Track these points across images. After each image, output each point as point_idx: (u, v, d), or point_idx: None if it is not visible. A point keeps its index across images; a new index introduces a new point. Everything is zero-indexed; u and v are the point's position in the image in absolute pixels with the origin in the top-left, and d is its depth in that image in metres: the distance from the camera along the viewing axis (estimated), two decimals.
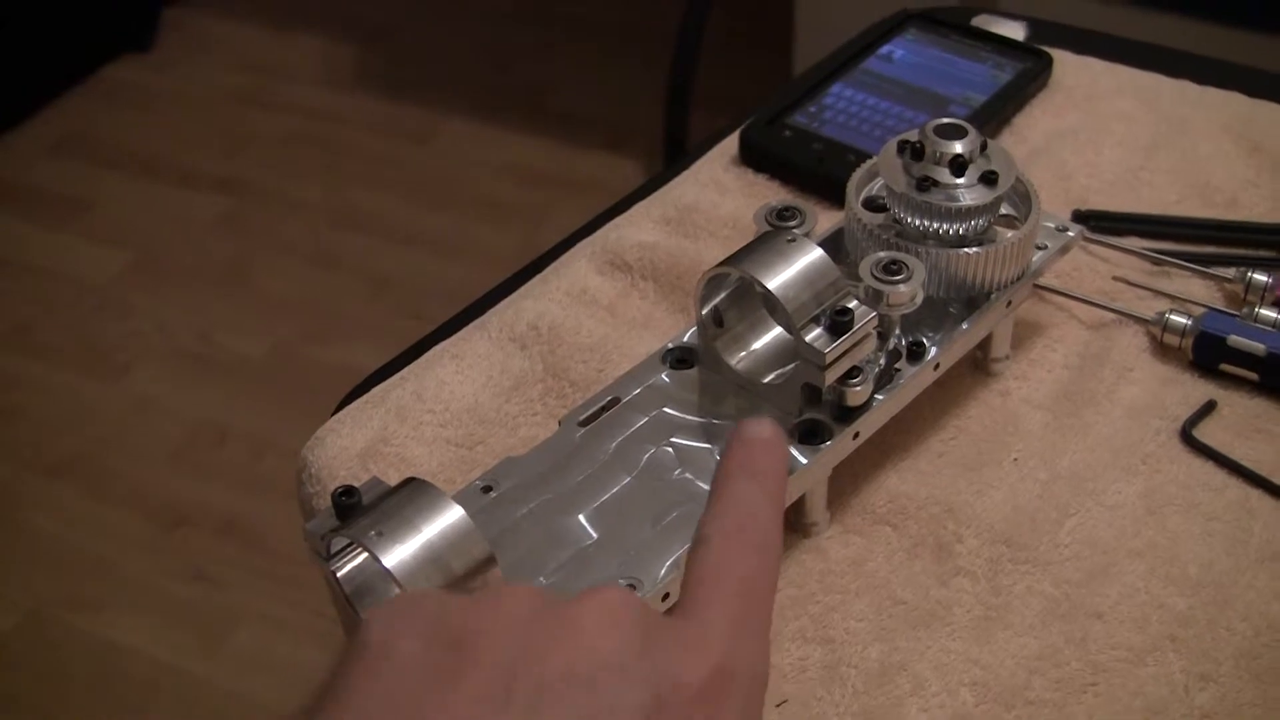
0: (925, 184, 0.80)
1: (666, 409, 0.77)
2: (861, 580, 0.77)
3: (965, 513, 0.79)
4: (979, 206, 0.80)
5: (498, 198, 2.69)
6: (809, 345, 0.72)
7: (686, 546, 0.68)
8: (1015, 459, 0.83)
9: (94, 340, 2.44)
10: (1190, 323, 0.87)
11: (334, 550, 0.66)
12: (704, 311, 0.78)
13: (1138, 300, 0.92)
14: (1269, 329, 0.87)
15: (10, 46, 2.85)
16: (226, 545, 2.09)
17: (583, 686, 0.48)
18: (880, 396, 0.77)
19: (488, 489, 0.74)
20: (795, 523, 0.78)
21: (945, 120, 0.82)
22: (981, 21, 1.16)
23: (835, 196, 0.86)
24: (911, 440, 0.84)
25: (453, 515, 0.62)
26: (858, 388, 0.75)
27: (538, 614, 0.50)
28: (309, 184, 2.74)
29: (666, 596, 0.69)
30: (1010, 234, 0.82)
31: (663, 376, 0.79)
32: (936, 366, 0.80)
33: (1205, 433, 0.84)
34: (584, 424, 0.77)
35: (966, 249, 0.80)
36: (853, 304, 0.73)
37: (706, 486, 0.73)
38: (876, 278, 0.76)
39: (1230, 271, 0.92)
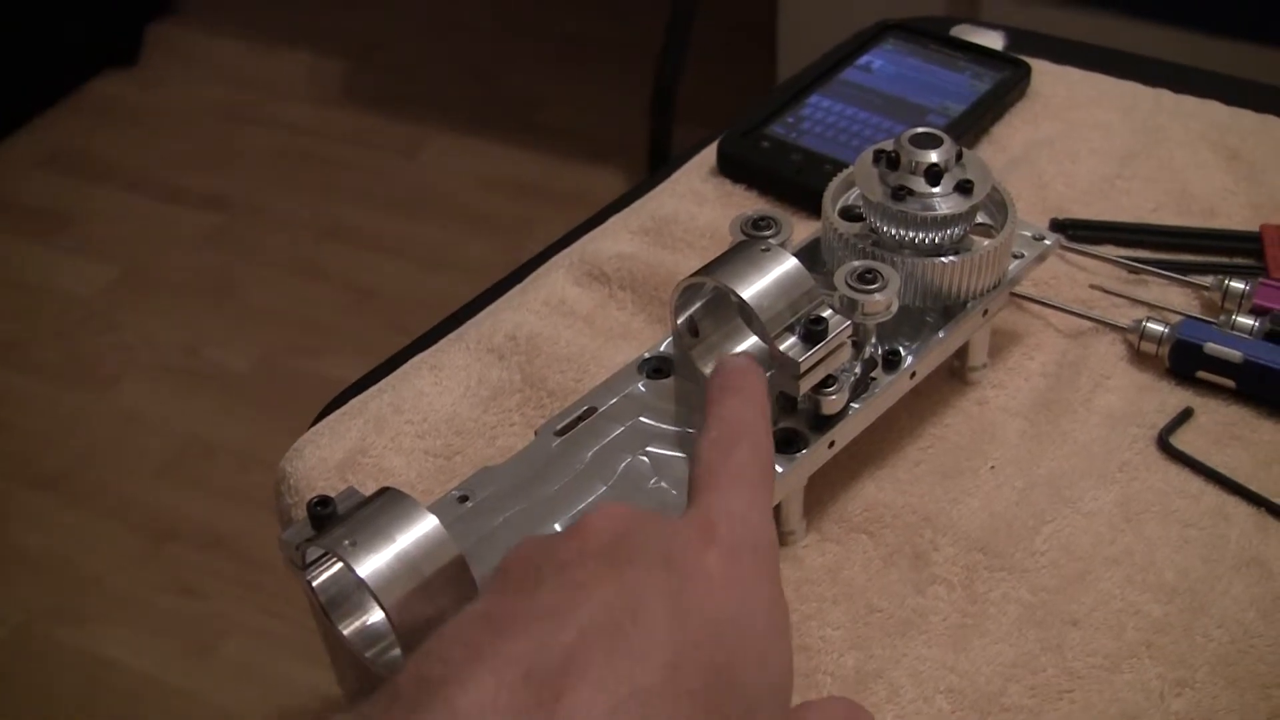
0: (901, 193, 0.80)
1: (643, 418, 0.78)
2: (838, 588, 0.77)
3: (942, 521, 0.79)
4: (955, 215, 0.80)
5: (484, 211, 2.69)
6: (783, 354, 0.72)
7: None
8: (992, 467, 0.83)
9: (81, 354, 2.44)
10: (1167, 330, 0.87)
11: (309, 560, 0.66)
12: (679, 321, 0.78)
13: (1115, 308, 0.92)
14: (1246, 336, 0.87)
15: None
16: (213, 558, 2.09)
17: (601, 557, 0.53)
18: (856, 405, 0.77)
19: (464, 499, 0.74)
20: None
21: (920, 129, 0.82)
22: (960, 31, 1.16)
23: (813, 207, 0.87)
24: (888, 449, 0.84)
25: (427, 525, 0.62)
26: (833, 396, 0.75)
27: (549, 537, 0.56)
28: (295, 198, 2.74)
29: None
30: (986, 243, 0.82)
31: (639, 386, 0.79)
32: (913, 375, 0.80)
33: (1182, 440, 0.84)
34: (560, 433, 0.77)
35: (943, 258, 0.80)
36: (827, 313, 0.73)
37: (683, 496, 0.73)
38: (851, 286, 0.76)
39: (1208, 279, 0.92)
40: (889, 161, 0.81)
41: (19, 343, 2.46)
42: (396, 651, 0.63)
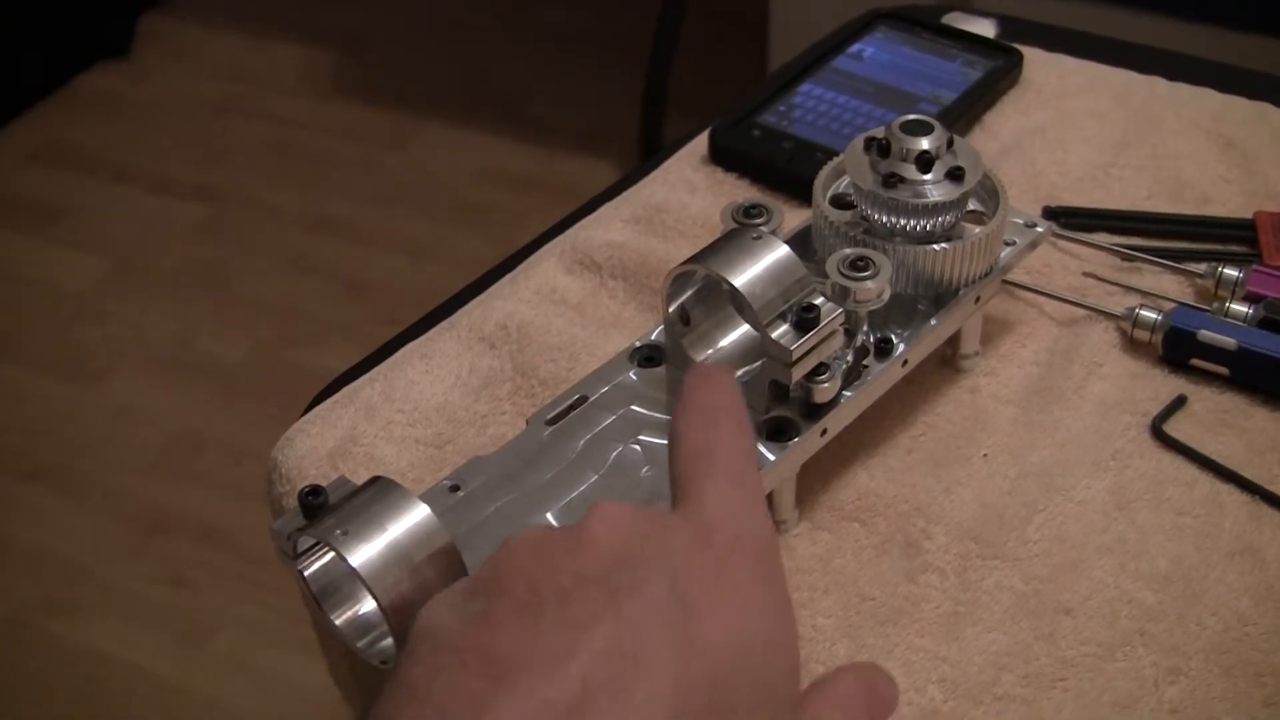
0: (892, 180, 0.80)
1: (634, 407, 0.77)
2: (830, 577, 0.76)
3: (934, 510, 0.79)
4: (946, 202, 0.80)
5: (474, 203, 2.69)
6: (775, 342, 0.71)
7: None
8: (985, 455, 0.82)
9: (72, 347, 2.43)
10: (1160, 318, 0.87)
11: (300, 549, 0.66)
12: (671, 309, 0.78)
13: (1108, 296, 0.92)
14: (1240, 324, 0.86)
15: None
16: (205, 550, 2.08)
17: (602, 584, 0.51)
18: (848, 393, 0.76)
19: (455, 488, 0.73)
20: None
21: (911, 116, 0.82)
22: (952, 19, 1.16)
23: (805, 195, 0.86)
24: (880, 437, 0.84)
25: (418, 514, 0.62)
26: (825, 384, 0.74)
27: (549, 539, 0.54)
28: (286, 190, 2.74)
29: None
30: (978, 230, 0.81)
31: (630, 375, 0.79)
32: (905, 363, 0.80)
33: (1176, 428, 0.84)
34: (551, 422, 0.76)
35: (934, 245, 0.80)
36: (819, 300, 0.72)
37: None
38: (843, 274, 0.75)
39: (1201, 267, 0.92)
40: (880, 149, 0.81)
41: (10, 335, 2.46)
42: (388, 641, 0.63)
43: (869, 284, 0.75)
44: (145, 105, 3.00)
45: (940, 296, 0.82)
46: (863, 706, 0.58)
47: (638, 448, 0.75)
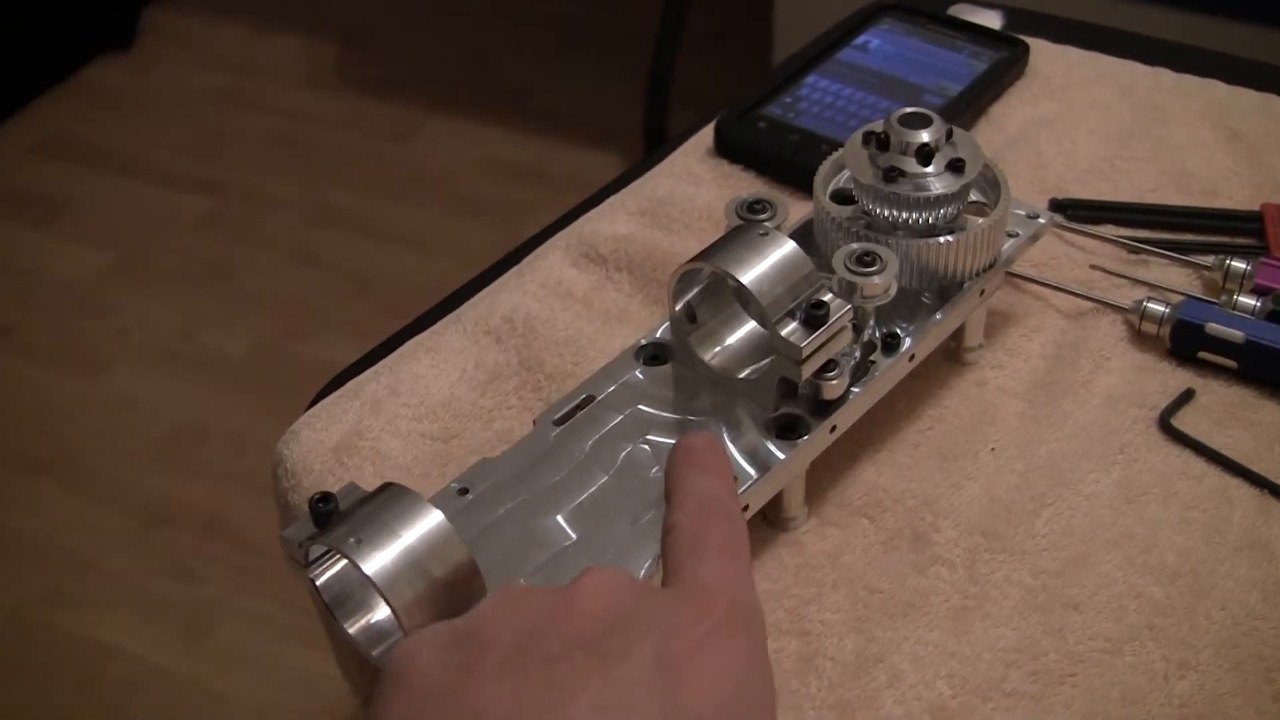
0: (892, 174, 0.79)
1: (641, 406, 0.77)
2: (838, 573, 0.76)
3: (942, 504, 0.79)
4: (947, 195, 0.79)
5: (478, 195, 2.69)
6: (784, 339, 0.71)
7: None
8: (993, 449, 0.82)
9: (75, 339, 2.43)
10: (1168, 311, 0.87)
11: (312, 558, 0.65)
12: (677, 307, 0.77)
13: (1115, 289, 0.92)
14: (1248, 317, 0.86)
15: None
16: (208, 542, 2.08)
17: (591, 650, 0.51)
18: (856, 389, 0.76)
19: (464, 491, 0.73)
20: (773, 518, 0.78)
21: (910, 109, 0.81)
22: (958, 11, 1.15)
23: (809, 187, 0.86)
24: (887, 432, 0.83)
25: (432, 520, 0.61)
26: (834, 381, 0.74)
27: (538, 600, 0.54)
28: (289, 183, 2.73)
29: None
30: (980, 221, 0.81)
31: (636, 374, 0.79)
32: (912, 358, 0.79)
33: (1184, 421, 0.83)
34: (559, 423, 0.76)
35: (937, 238, 0.79)
36: (827, 297, 0.72)
37: None
38: (850, 270, 0.75)
39: (1209, 259, 0.92)
40: (879, 143, 0.81)
41: (14, 327, 2.46)
42: None
43: (876, 279, 0.74)
44: (149, 98, 2.99)
45: (944, 289, 0.81)
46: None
47: (647, 447, 0.74)
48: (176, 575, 2.04)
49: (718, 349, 0.78)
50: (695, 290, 0.77)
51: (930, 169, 0.79)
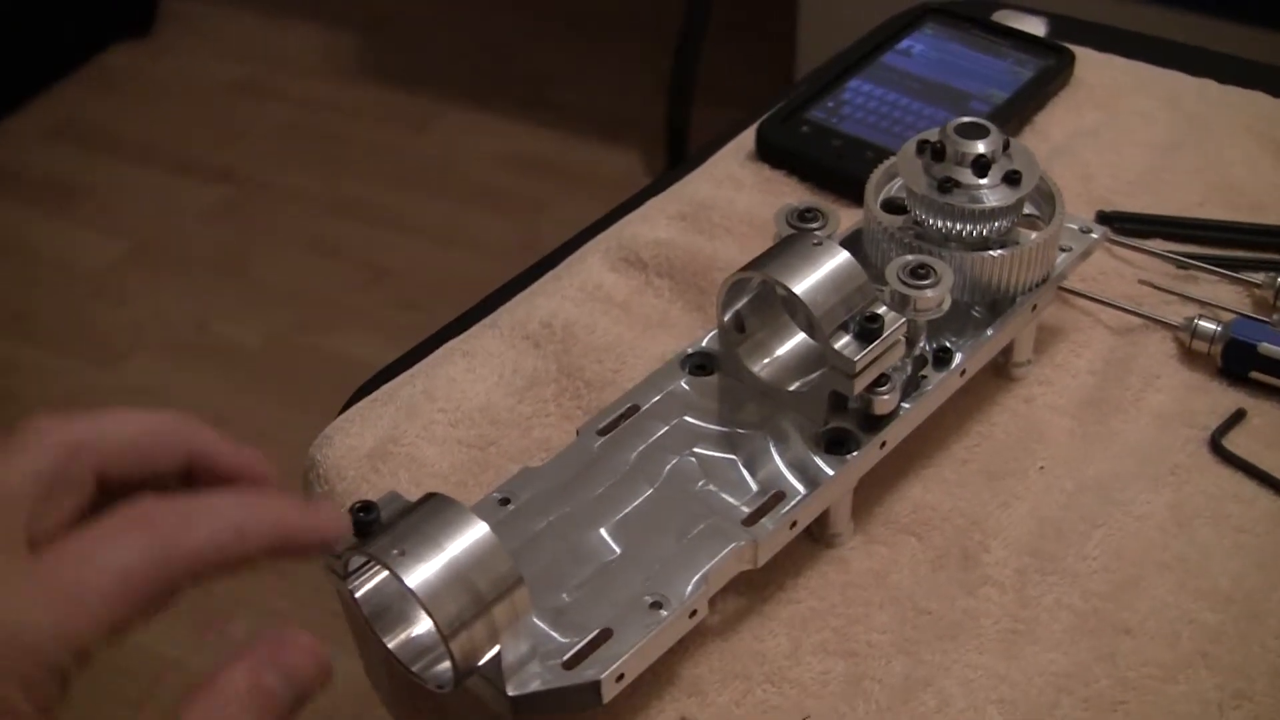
0: (947, 185, 0.78)
1: (687, 417, 0.75)
2: (885, 592, 0.75)
3: (991, 523, 0.77)
4: (1002, 208, 0.78)
5: (495, 187, 2.67)
6: (838, 353, 0.70)
7: (714, 560, 0.67)
8: (1041, 468, 0.81)
9: (90, 328, 2.42)
10: (1220, 329, 0.85)
11: (351, 568, 0.64)
12: (726, 317, 0.76)
13: (1164, 305, 0.90)
14: None
15: (8, 32, 2.83)
16: None
17: None
18: (907, 404, 0.75)
19: (505, 501, 0.71)
20: (818, 534, 0.76)
21: (967, 119, 0.80)
22: (1001, 17, 1.14)
23: (853, 194, 0.85)
24: (934, 448, 0.82)
25: (477, 532, 0.60)
26: (885, 396, 0.73)
27: None
28: (306, 172, 2.72)
29: (694, 613, 0.67)
30: (1034, 235, 0.80)
31: (682, 384, 0.77)
32: (963, 373, 0.78)
33: (1235, 442, 0.82)
34: (603, 433, 0.75)
35: (990, 251, 0.78)
36: (882, 310, 0.71)
37: (731, 499, 0.71)
38: (904, 282, 0.73)
39: (1259, 276, 0.90)
40: (934, 152, 0.79)
41: (28, 315, 2.44)
42: (445, 664, 0.61)
43: (930, 292, 0.73)
44: (166, 85, 2.98)
45: (996, 303, 0.80)
46: (248, 708, 0.53)
47: (693, 459, 0.73)
48: None
49: (766, 360, 0.77)
50: (744, 300, 0.76)
51: (985, 181, 0.78)
